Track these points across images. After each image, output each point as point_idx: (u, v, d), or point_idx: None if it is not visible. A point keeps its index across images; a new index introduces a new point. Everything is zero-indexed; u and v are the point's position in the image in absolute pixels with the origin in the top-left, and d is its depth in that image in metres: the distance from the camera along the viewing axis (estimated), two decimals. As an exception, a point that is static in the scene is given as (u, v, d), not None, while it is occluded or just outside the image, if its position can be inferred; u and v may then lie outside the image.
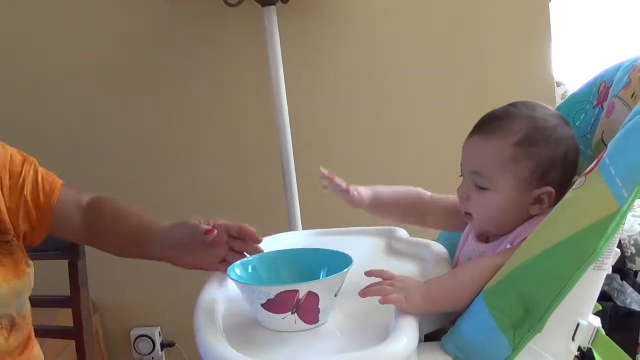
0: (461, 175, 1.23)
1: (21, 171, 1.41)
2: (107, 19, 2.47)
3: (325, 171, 1.33)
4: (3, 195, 1.38)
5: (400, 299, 1.04)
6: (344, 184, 1.34)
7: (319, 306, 1.04)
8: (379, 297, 1.05)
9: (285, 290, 1.02)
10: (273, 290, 1.03)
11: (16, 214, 1.39)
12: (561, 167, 1.17)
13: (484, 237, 1.25)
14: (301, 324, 1.05)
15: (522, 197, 1.17)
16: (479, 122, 1.22)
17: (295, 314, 1.04)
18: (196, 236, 1.29)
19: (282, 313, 1.04)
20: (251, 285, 1.07)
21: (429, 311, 1.07)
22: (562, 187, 1.17)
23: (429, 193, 1.39)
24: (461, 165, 1.23)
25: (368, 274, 1.11)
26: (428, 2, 2.28)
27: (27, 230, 1.41)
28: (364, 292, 1.07)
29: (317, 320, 1.06)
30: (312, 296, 1.02)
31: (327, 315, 1.07)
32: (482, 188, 1.18)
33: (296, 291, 1.02)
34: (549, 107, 1.23)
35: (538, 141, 1.16)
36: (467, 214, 1.22)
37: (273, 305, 1.04)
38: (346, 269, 1.06)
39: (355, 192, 1.33)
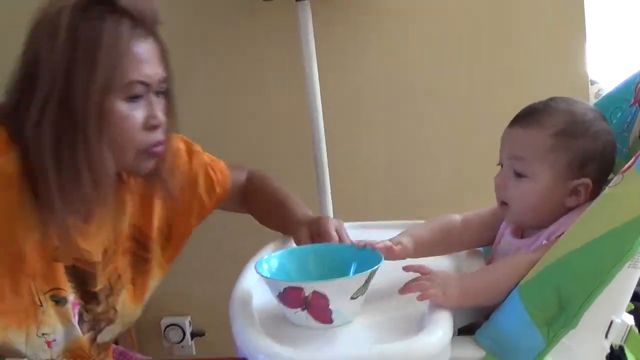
0: (499, 164, 1.24)
1: (190, 168, 1.48)
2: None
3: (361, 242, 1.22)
4: (166, 204, 1.42)
5: (439, 294, 1.05)
6: (386, 243, 1.23)
7: (330, 307, 1.03)
8: (405, 284, 1.07)
9: (291, 287, 1.03)
10: (281, 285, 1.04)
11: (187, 213, 1.46)
12: (599, 161, 1.18)
13: (520, 233, 1.25)
14: (314, 322, 1.05)
15: (559, 187, 1.17)
16: (518, 114, 1.23)
17: (306, 311, 1.04)
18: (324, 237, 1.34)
19: (293, 308, 1.05)
20: (266, 278, 1.08)
21: (465, 305, 1.08)
22: (599, 181, 1.18)
23: (458, 217, 1.36)
24: (500, 153, 1.24)
25: (406, 268, 1.12)
26: (461, 1, 2.27)
27: (194, 225, 1.49)
28: (404, 289, 1.08)
29: (331, 321, 1.05)
30: (320, 296, 1.02)
31: (344, 316, 1.06)
32: (519, 176, 1.19)
33: (301, 289, 1.02)
34: (587, 102, 1.24)
35: (576, 133, 1.17)
36: (504, 203, 1.23)
37: (284, 299, 1.05)
38: (364, 272, 1.04)
39: (399, 246, 1.24)
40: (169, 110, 1.28)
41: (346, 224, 1.39)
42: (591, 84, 3.03)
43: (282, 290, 1.04)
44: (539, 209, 1.19)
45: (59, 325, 1.27)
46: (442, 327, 1.00)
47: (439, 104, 2.31)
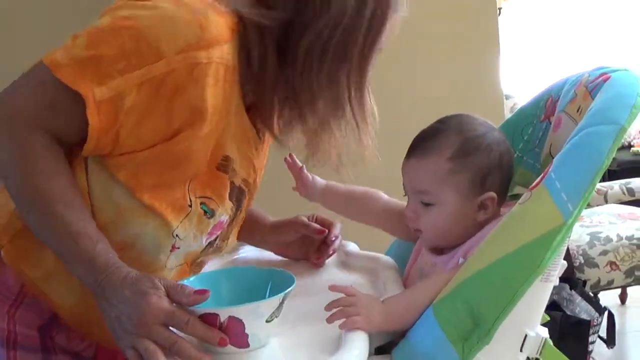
0: (405, 195, 1.25)
1: None
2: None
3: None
4: None
5: (362, 320, 1.04)
6: (299, 164, 1.39)
7: (246, 331, 1.01)
8: (332, 311, 1.06)
9: (206, 313, 1.01)
10: (197, 312, 1.01)
11: None
12: (498, 172, 1.20)
13: (438, 249, 1.26)
14: (231, 348, 1.02)
15: (466, 206, 1.19)
16: (411, 144, 1.25)
17: None
18: (305, 233, 1.39)
19: None
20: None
21: (388, 329, 1.08)
22: (503, 191, 1.20)
23: (386, 196, 1.41)
24: (404, 186, 1.25)
25: (332, 288, 1.11)
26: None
27: None
28: (330, 319, 1.06)
29: (247, 345, 1.03)
30: (235, 321, 1.00)
31: (259, 340, 1.04)
32: (427, 204, 1.20)
33: (217, 315, 1.00)
34: (477, 116, 1.26)
35: (470, 151, 1.19)
36: (418, 230, 1.24)
37: None
38: (278, 295, 1.03)
39: (310, 176, 1.37)
40: None
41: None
42: (506, 99, 3.11)
43: (197, 317, 1.02)
44: (452, 231, 1.20)
45: (192, 234, 1.22)
46: (357, 347, 0.99)
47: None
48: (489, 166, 1.19)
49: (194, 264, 1.31)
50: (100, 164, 1.13)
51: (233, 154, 1.22)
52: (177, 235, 1.19)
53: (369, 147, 1.25)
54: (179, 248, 1.21)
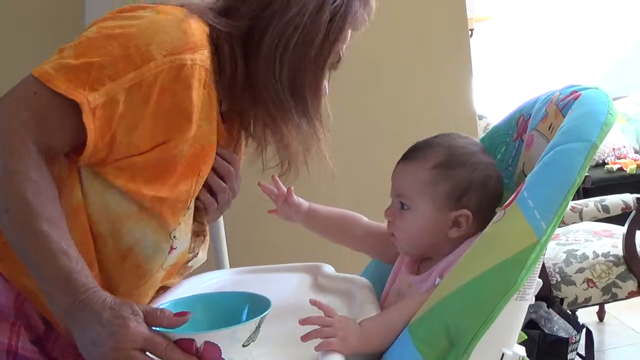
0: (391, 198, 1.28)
1: None
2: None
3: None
4: None
5: (338, 343, 1.04)
6: (284, 188, 1.41)
7: (222, 356, 1.00)
8: (308, 333, 1.05)
9: (182, 339, 1.00)
10: (172, 337, 1.00)
11: None
12: (479, 192, 1.21)
13: (415, 269, 1.27)
14: None
15: (439, 218, 1.20)
16: (405, 152, 1.28)
17: None
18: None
19: None
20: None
21: (364, 351, 1.07)
22: (481, 213, 1.20)
23: (365, 219, 1.43)
24: (391, 190, 1.27)
25: (313, 303, 1.10)
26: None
27: None
28: (306, 338, 1.05)
29: None
30: (211, 346, 0.99)
31: None
32: (404, 209, 1.23)
33: (192, 340, 0.99)
34: (474, 138, 1.29)
35: (454, 165, 1.21)
36: (392, 234, 1.26)
37: None
38: (254, 320, 1.02)
39: (296, 198, 1.40)
40: None
41: (234, 270, 1.39)
42: (479, 119, 3.13)
43: (173, 342, 1.01)
44: (422, 239, 1.22)
45: (188, 234, 1.27)
46: (333, 369, 0.98)
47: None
48: (470, 184, 1.20)
49: (183, 267, 1.35)
50: (95, 173, 1.15)
51: None
52: (174, 237, 1.22)
53: (325, 157, 1.30)
54: (176, 248, 1.25)
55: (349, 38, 1.30)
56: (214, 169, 1.31)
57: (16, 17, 2.24)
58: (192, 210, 1.27)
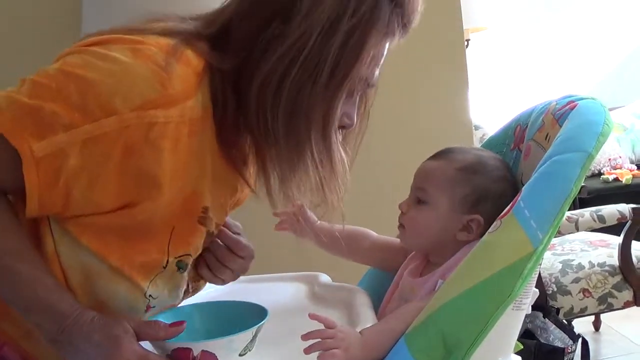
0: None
1: None
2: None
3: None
4: None
5: (342, 355, 1.04)
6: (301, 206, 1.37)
7: None
8: (306, 345, 1.05)
9: (179, 348, 0.99)
10: (169, 346, 1.00)
11: None
12: (494, 202, 1.22)
13: (418, 273, 1.27)
14: None
15: (452, 219, 1.22)
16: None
17: None
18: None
19: None
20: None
21: None
22: (491, 223, 1.19)
23: (374, 234, 1.44)
24: (411, 185, 1.29)
25: (312, 316, 1.10)
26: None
27: None
28: (308, 350, 1.05)
29: None
30: (208, 355, 0.99)
31: None
32: (420, 203, 1.25)
33: (189, 349, 0.99)
34: (505, 162, 1.31)
35: (478, 172, 1.24)
36: (401, 226, 1.27)
37: None
38: (251, 329, 1.02)
39: (311, 214, 1.37)
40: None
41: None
42: (475, 129, 3.13)
43: (170, 352, 1.01)
44: (430, 235, 1.24)
45: (166, 291, 1.16)
46: (331, 380, 0.98)
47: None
48: (489, 192, 1.23)
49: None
50: (62, 226, 1.05)
51: (209, 202, 1.15)
52: (150, 296, 1.13)
53: (334, 202, 1.13)
54: (154, 307, 1.16)
55: (383, 52, 1.17)
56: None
57: (11, 18, 2.24)
58: (171, 269, 1.15)
